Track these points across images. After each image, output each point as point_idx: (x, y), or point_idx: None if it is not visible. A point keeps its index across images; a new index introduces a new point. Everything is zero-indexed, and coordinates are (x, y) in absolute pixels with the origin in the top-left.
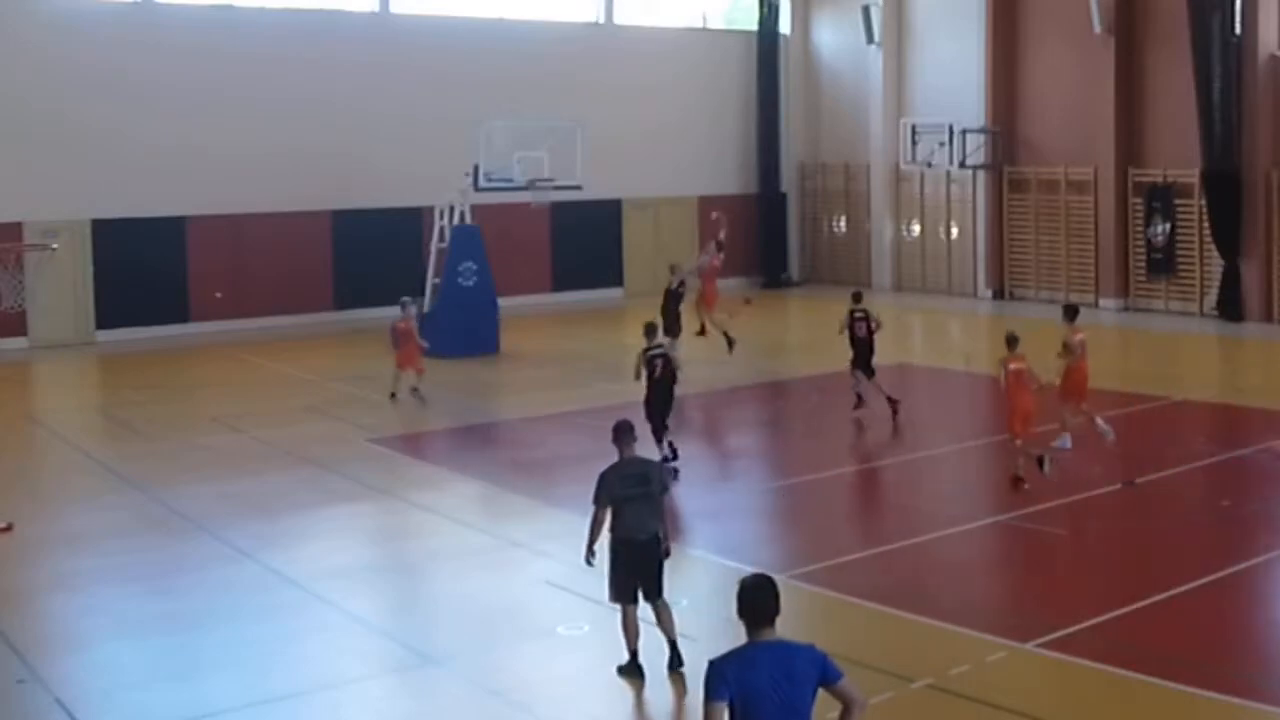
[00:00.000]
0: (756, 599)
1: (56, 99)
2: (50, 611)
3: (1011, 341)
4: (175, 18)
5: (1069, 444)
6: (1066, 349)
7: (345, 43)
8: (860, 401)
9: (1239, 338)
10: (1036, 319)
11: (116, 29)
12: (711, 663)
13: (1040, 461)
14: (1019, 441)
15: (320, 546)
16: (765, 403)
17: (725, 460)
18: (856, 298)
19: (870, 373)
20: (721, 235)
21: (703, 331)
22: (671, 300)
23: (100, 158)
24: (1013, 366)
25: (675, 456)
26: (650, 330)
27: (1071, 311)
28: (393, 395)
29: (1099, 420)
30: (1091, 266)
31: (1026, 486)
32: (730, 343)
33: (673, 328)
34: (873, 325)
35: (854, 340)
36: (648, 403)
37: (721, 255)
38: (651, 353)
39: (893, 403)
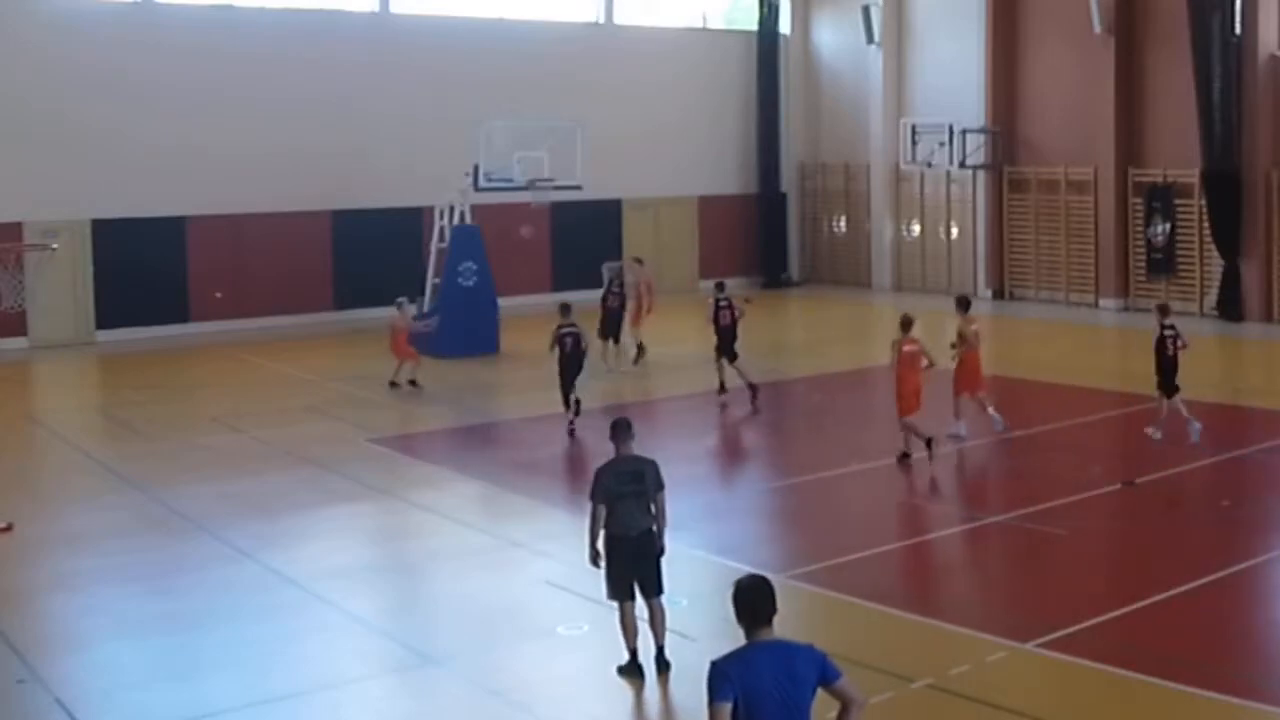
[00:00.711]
0: (754, 600)
1: (56, 99)
2: (50, 611)
3: (906, 324)
4: (175, 18)
5: (964, 431)
6: (961, 339)
7: (345, 43)
8: (723, 388)
9: (1239, 338)
10: (1036, 319)
11: (116, 29)
12: (714, 663)
13: (929, 443)
14: (909, 419)
15: (320, 546)
16: (765, 402)
17: (725, 459)
18: (719, 287)
19: (733, 357)
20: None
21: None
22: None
23: (100, 158)
24: (907, 349)
25: (578, 414)
26: (564, 309)
27: (964, 303)
28: (394, 384)
29: (990, 409)
30: (1091, 266)
31: (912, 462)
32: (639, 355)
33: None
34: (736, 313)
35: (718, 328)
36: (560, 374)
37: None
38: (563, 330)
39: (753, 388)
